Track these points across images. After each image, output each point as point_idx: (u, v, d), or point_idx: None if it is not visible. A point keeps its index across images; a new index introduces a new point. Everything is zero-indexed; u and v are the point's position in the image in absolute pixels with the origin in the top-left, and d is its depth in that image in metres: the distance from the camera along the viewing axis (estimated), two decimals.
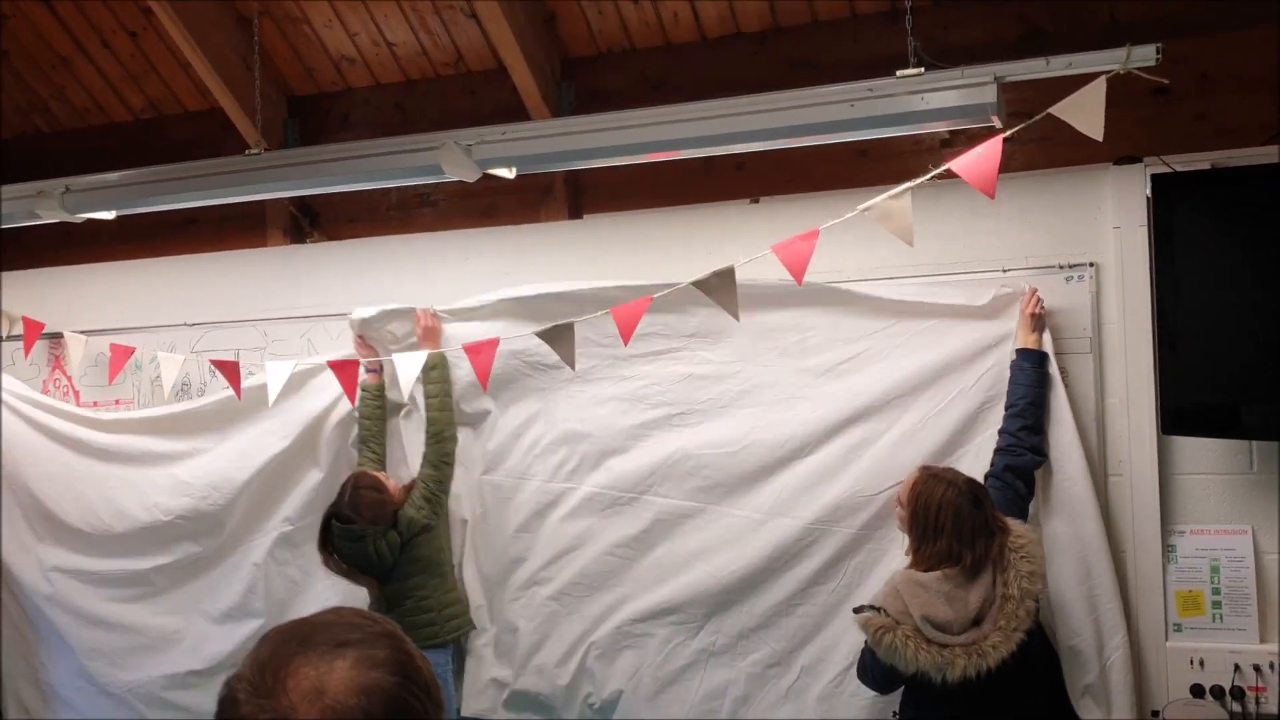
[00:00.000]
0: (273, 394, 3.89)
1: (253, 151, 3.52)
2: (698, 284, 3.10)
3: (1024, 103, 2.89)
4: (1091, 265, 3.26)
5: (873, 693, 3.07)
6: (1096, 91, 2.55)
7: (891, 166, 3.51)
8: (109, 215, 3.81)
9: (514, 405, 3.76)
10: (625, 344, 3.34)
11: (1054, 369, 3.16)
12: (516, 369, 3.72)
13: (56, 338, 4.48)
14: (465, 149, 3.15)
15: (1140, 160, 3.21)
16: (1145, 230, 3.19)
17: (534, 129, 3.30)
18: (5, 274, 4.56)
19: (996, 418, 3.19)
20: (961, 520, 2.81)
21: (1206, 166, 3.12)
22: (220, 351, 4.21)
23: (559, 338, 3.37)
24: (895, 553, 3.21)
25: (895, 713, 3.06)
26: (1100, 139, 2.53)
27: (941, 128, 3.11)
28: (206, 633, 4.14)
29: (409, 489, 3.63)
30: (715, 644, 3.49)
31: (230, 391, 4.00)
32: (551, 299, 3.64)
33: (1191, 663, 3.13)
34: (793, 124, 2.92)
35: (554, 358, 3.39)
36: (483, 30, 3.96)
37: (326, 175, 3.42)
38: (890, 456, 3.29)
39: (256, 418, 4.05)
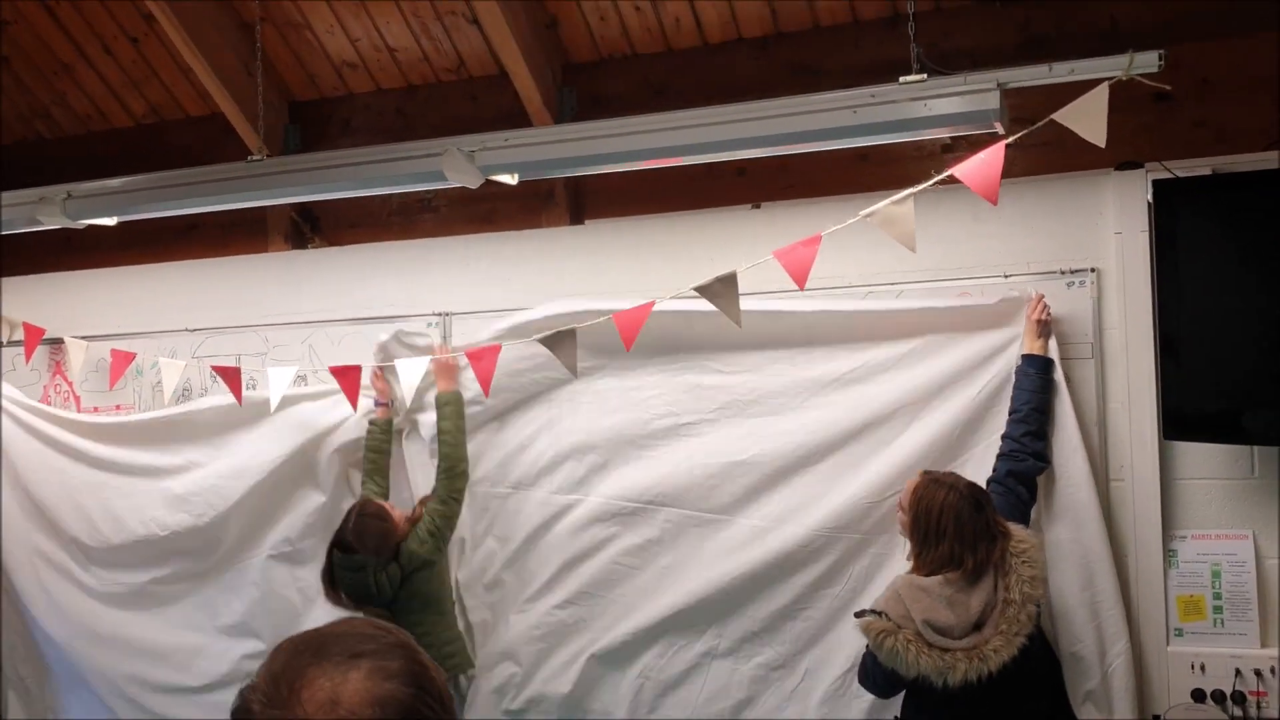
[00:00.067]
0: (274, 400, 3.90)
1: (255, 158, 3.51)
2: (700, 290, 3.11)
3: (1026, 108, 2.89)
4: (1093, 270, 3.27)
5: (874, 696, 3.07)
6: (1099, 98, 2.55)
7: (893, 171, 3.52)
8: (110, 221, 3.81)
9: (520, 418, 3.76)
10: (628, 349, 3.35)
11: (1059, 376, 3.17)
12: (524, 384, 3.73)
13: (57, 343, 4.47)
14: (468, 155, 3.15)
15: (1142, 166, 3.21)
16: (1147, 235, 3.19)
17: (537, 135, 3.30)
18: (6, 280, 4.56)
19: (1001, 424, 3.19)
20: (963, 524, 2.81)
21: (1208, 172, 3.13)
22: (221, 357, 4.21)
23: (560, 344, 3.37)
24: (900, 557, 3.21)
25: (896, 717, 3.06)
26: (1103, 145, 2.54)
27: (944, 134, 3.12)
28: (201, 648, 4.13)
29: (413, 520, 3.57)
30: (718, 648, 3.50)
31: (225, 400, 4.00)
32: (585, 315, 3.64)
33: (1193, 667, 3.13)
34: (795, 130, 2.91)
35: (560, 370, 3.43)
36: (484, 36, 3.97)
37: (329, 181, 3.41)
38: (896, 463, 3.29)
39: (251, 433, 4.05)
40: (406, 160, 3.29)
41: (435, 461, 3.67)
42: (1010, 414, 3.16)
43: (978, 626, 2.76)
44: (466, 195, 3.80)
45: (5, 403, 4.44)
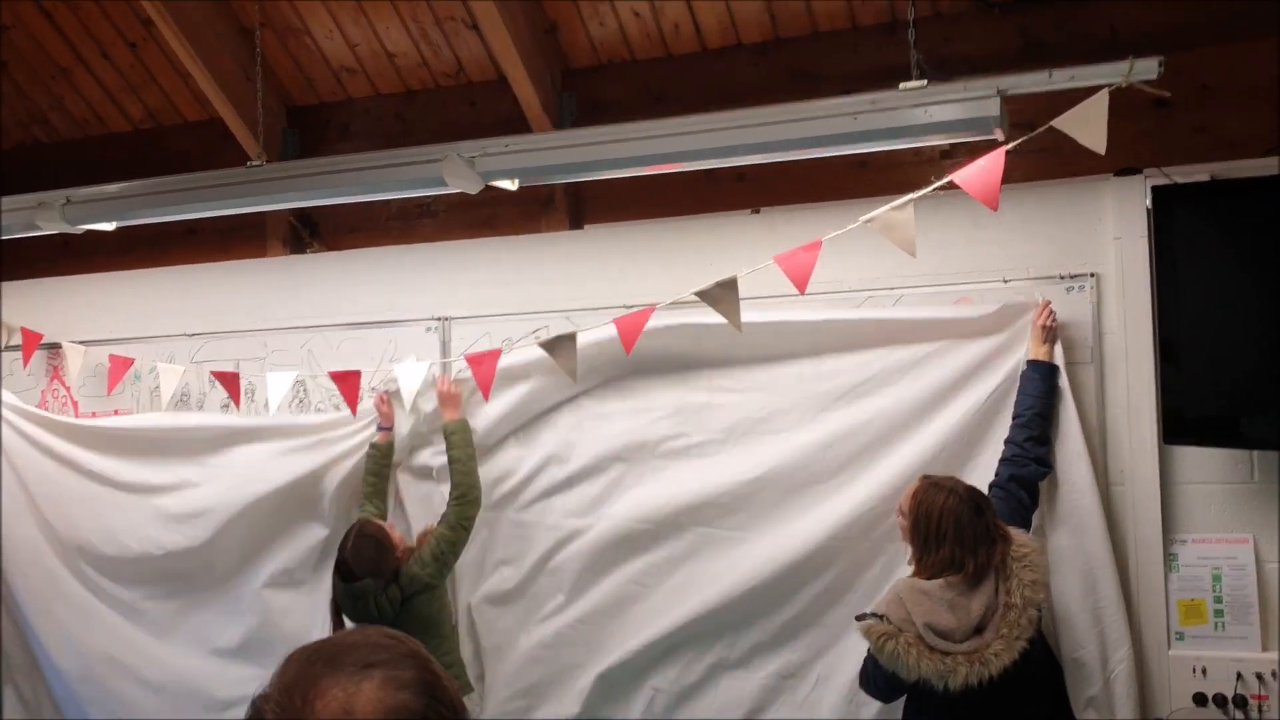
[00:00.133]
0: (273, 404, 3.90)
1: (255, 163, 3.51)
2: (701, 294, 3.11)
3: (1025, 114, 2.91)
4: (1092, 276, 3.27)
5: (880, 702, 3.07)
6: (1099, 104, 2.56)
7: (892, 177, 3.53)
8: (109, 226, 3.80)
9: (532, 442, 3.74)
10: (628, 352, 3.36)
11: (1064, 382, 3.17)
12: (537, 413, 3.73)
13: (55, 348, 4.46)
14: (468, 161, 3.15)
15: (1141, 172, 3.22)
16: (1146, 241, 3.20)
17: (537, 141, 3.31)
18: (3, 284, 4.54)
19: (1006, 430, 3.20)
20: (963, 528, 2.81)
21: (1206, 178, 3.13)
22: (220, 362, 4.20)
23: (560, 348, 3.38)
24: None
25: None
26: (1103, 152, 2.55)
27: (944, 140, 3.12)
28: (196, 671, 4.11)
29: (414, 549, 3.54)
30: (729, 659, 3.49)
31: (226, 421, 4.02)
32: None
33: (1194, 671, 3.13)
34: (795, 137, 2.91)
35: (569, 393, 3.49)
36: (484, 41, 3.97)
37: (329, 187, 3.41)
38: (905, 471, 3.28)
39: (252, 456, 4.03)
40: (407, 166, 3.29)
41: (436, 488, 3.68)
42: (1014, 419, 3.16)
43: (979, 630, 2.76)
44: (466, 200, 3.80)
45: (5, 410, 4.42)
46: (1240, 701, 3.07)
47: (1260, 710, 3.05)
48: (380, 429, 3.81)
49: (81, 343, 4.37)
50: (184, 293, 4.38)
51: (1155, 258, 3.14)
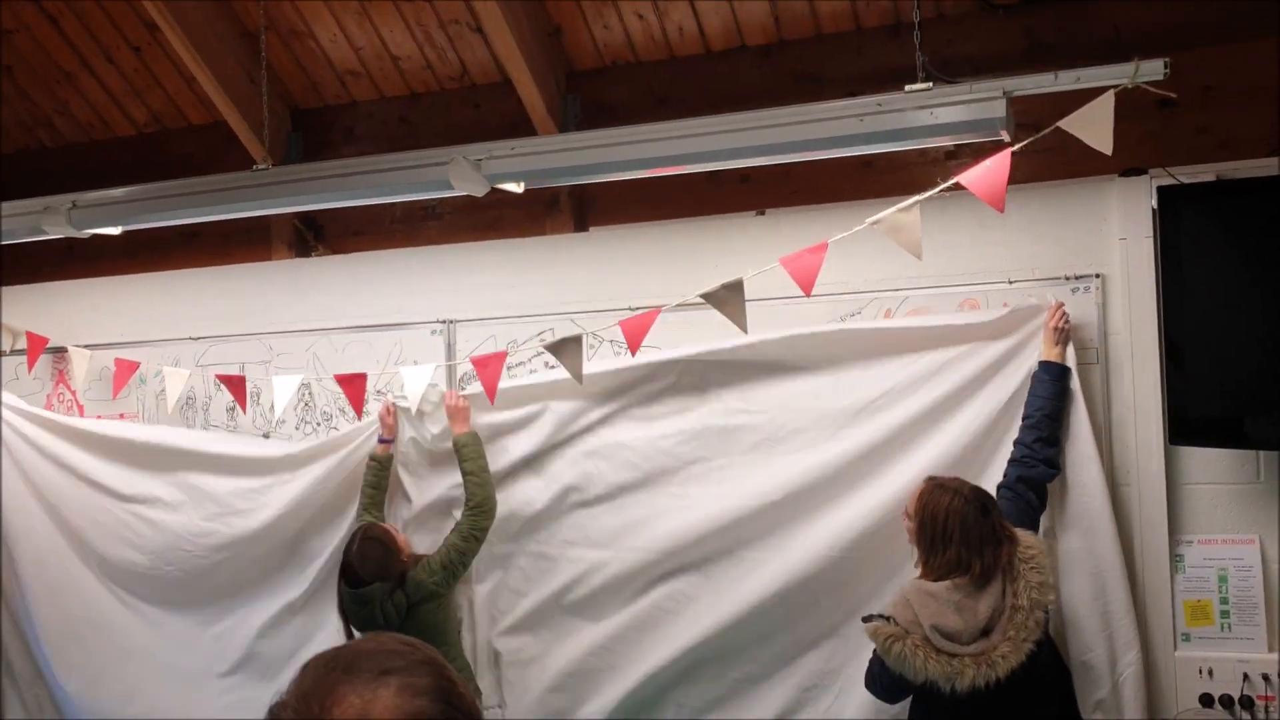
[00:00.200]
0: (279, 408, 3.90)
1: (260, 167, 3.52)
2: (706, 297, 3.12)
3: (1029, 115, 2.91)
4: (1098, 276, 3.27)
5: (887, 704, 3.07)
6: (1105, 105, 2.57)
7: (897, 178, 3.53)
8: (115, 231, 3.81)
9: (549, 473, 3.72)
10: (633, 354, 3.36)
11: (1075, 384, 3.15)
12: (554, 444, 3.71)
13: (60, 352, 4.47)
14: (474, 164, 3.16)
15: (1145, 172, 3.22)
16: (1151, 242, 3.20)
17: (543, 144, 3.31)
18: (8, 289, 4.55)
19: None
20: (969, 528, 2.81)
21: (1211, 178, 3.13)
22: (225, 365, 4.21)
23: (566, 351, 3.38)
24: None
25: None
26: (1109, 153, 2.55)
27: (950, 142, 3.12)
28: (190, 688, 4.12)
29: (420, 556, 3.53)
30: (753, 672, 3.48)
31: (239, 449, 4.05)
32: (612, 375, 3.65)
33: (1200, 672, 3.13)
34: (801, 139, 2.92)
35: (586, 423, 3.52)
36: (488, 44, 3.97)
37: (335, 190, 3.41)
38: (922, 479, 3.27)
39: (250, 479, 4.04)
40: (412, 169, 3.30)
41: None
42: (1023, 419, 3.15)
43: (986, 632, 2.76)
44: (471, 203, 3.81)
45: (6, 412, 4.43)
46: (1247, 702, 3.07)
47: (1267, 711, 3.05)
48: (381, 441, 3.80)
49: (87, 346, 4.38)
50: (189, 296, 4.39)
51: (1161, 258, 3.14)
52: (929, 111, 2.76)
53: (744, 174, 3.79)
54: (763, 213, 3.72)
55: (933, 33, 3.39)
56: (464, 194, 3.27)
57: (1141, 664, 3.11)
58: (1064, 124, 2.61)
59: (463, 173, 3.16)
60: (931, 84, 2.78)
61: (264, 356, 4.21)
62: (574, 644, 3.66)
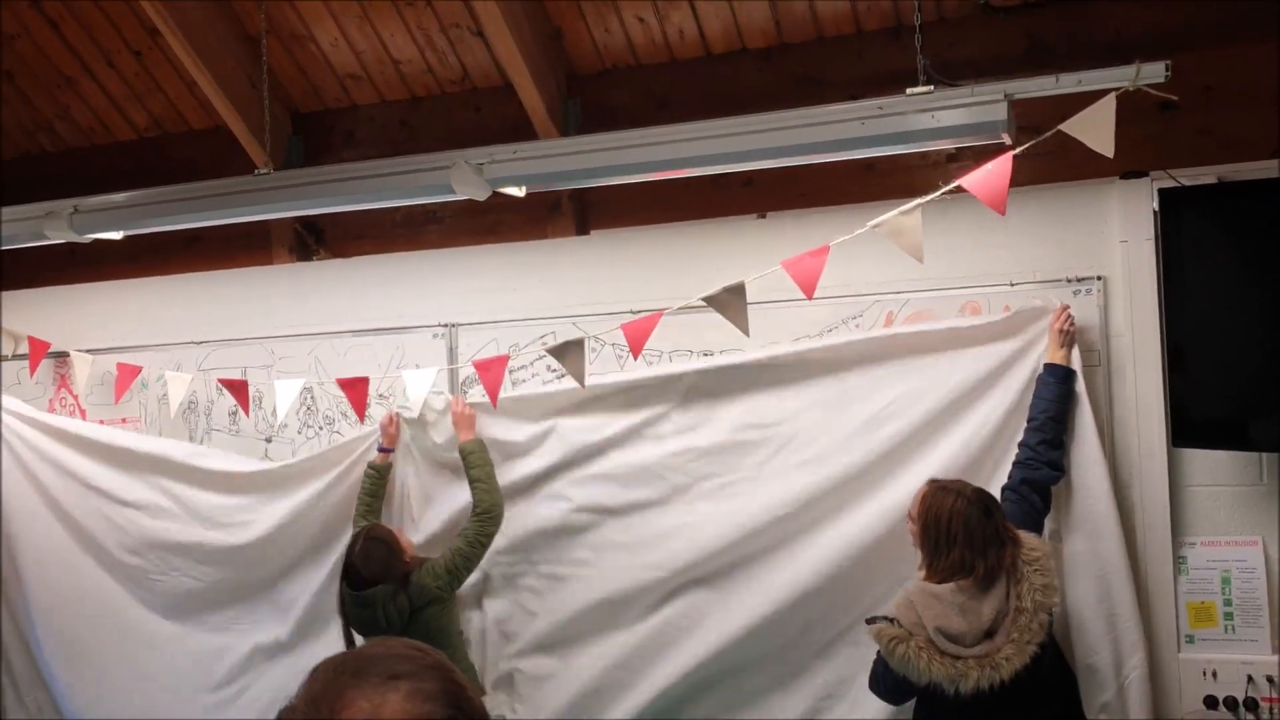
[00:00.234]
0: (281, 412, 3.91)
1: (261, 171, 3.52)
2: (708, 300, 3.12)
3: (1030, 117, 2.92)
4: (1099, 279, 3.27)
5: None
6: (1106, 108, 2.57)
7: (899, 181, 3.54)
8: (117, 235, 3.81)
9: (561, 495, 3.71)
10: (635, 358, 3.36)
11: (1080, 386, 3.15)
12: (566, 466, 3.71)
13: (62, 357, 4.47)
14: (476, 168, 3.16)
15: (1146, 174, 3.22)
16: (1152, 244, 3.20)
17: (545, 148, 3.31)
18: (9, 293, 4.55)
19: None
20: (972, 530, 2.81)
21: (1212, 180, 3.14)
22: (227, 370, 4.20)
23: (568, 354, 3.38)
24: None
25: None
26: (1111, 155, 2.56)
27: (951, 145, 3.13)
28: (187, 694, 4.12)
29: (424, 558, 3.51)
30: (766, 684, 3.47)
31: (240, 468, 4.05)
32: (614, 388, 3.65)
33: (1204, 674, 3.13)
34: (802, 142, 2.92)
35: (598, 447, 3.55)
36: (489, 47, 3.97)
37: (336, 195, 3.42)
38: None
39: (245, 496, 4.05)
40: (414, 173, 3.30)
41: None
42: (1028, 422, 3.15)
43: (989, 634, 2.76)
44: (472, 206, 3.80)
45: (7, 416, 4.43)
46: (1251, 704, 3.07)
47: (1271, 713, 3.05)
48: (380, 449, 3.79)
49: (89, 351, 4.38)
50: (191, 301, 4.39)
51: (1162, 260, 3.15)
52: (930, 115, 2.76)
53: (746, 177, 3.79)
54: (764, 216, 3.72)
55: (933, 35, 3.39)
56: (465, 198, 3.27)
57: (1146, 667, 3.10)
58: (1065, 127, 2.62)
59: (464, 177, 3.16)
60: (933, 87, 2.78)
61: (266, 361, 4.21)
62: (588, 662, 3.65)
